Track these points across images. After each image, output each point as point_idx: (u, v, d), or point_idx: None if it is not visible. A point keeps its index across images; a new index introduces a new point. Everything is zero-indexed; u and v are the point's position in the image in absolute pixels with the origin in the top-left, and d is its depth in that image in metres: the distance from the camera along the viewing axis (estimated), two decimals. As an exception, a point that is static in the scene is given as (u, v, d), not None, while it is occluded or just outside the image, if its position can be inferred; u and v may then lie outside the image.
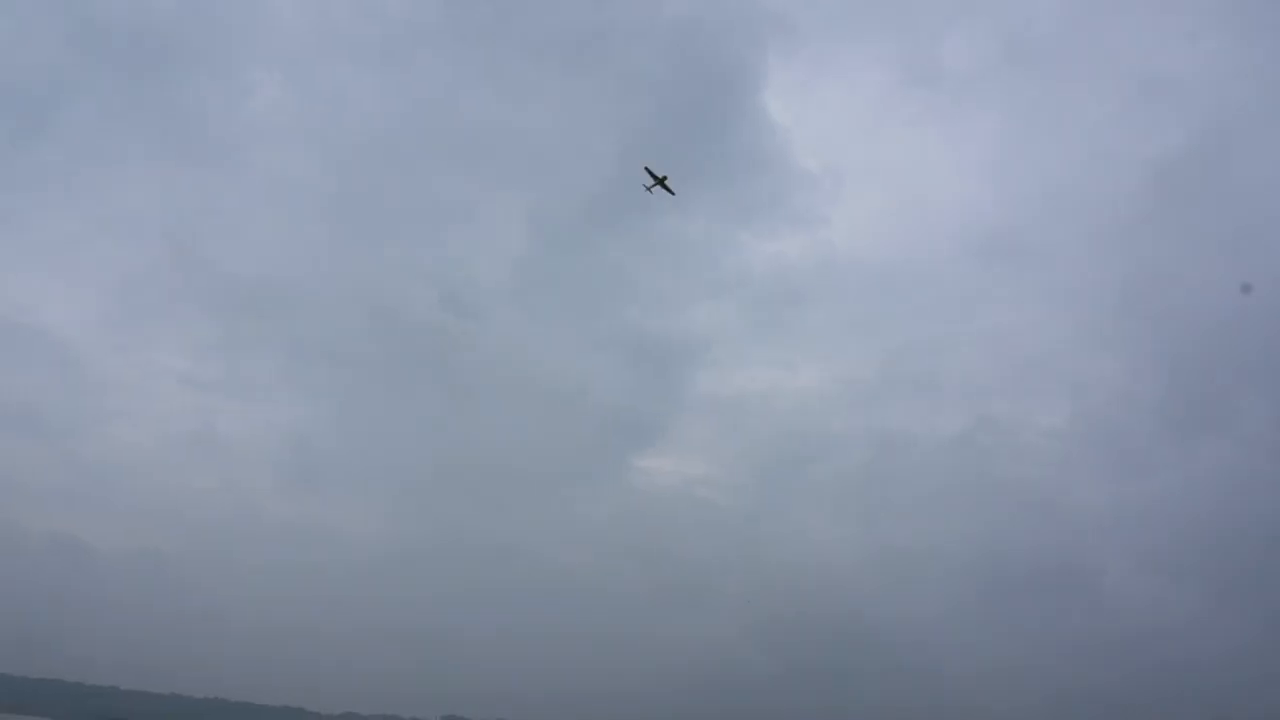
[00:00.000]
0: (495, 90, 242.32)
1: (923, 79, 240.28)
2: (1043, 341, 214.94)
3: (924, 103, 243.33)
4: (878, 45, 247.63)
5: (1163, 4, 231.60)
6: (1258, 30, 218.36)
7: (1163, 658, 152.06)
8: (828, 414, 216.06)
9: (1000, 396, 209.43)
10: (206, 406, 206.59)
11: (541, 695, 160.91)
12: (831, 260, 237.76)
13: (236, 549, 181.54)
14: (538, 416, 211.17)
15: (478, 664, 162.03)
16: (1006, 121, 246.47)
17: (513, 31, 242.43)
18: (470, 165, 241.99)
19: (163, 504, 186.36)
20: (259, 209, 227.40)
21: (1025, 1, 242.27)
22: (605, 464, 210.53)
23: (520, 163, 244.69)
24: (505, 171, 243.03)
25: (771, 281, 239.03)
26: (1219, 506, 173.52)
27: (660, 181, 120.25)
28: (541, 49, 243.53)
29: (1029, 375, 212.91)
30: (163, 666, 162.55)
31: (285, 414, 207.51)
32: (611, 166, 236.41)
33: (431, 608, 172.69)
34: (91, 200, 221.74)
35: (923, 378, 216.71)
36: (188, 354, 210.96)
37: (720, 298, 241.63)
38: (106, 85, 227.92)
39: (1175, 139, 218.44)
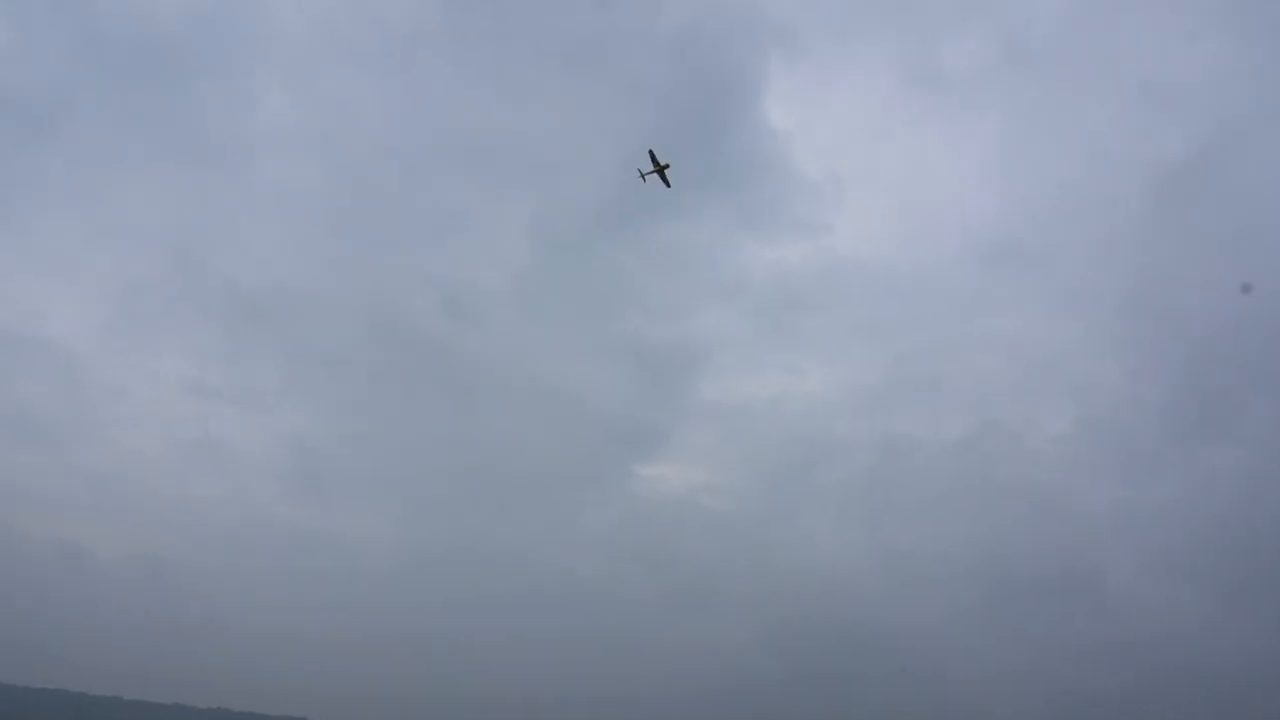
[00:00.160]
0: (497, 97, 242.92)
1: (924, 84, 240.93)
2: (1047, 345, 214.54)
3: (925, 107, 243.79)
4: (879, 51, 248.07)
5: (1163, 7, 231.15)
6: (1259, 32, 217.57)
7: (1169, 661, 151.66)
8: (832, 420, 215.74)
9: (1005, 401, 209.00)
10: (210, 414, 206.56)
11: (550, 700, 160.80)
12: (834, 266, 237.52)
13: (241, 557, 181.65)
14: (542, 423, 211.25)
15: (486, 670, 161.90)
16: (1008, 125, 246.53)
17: (515, 38, 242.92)
18: (472, 172, 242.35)
19: (166, 511, 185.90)
20: (262, 216, 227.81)
21: (1025, 5, 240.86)
22: (610, 471, 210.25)
23: (522, 169, 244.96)
24: (507, 178, 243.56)
25: (774, 288, 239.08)
26: (1226, 509, 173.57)
27: (660, 170, 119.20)
28: (544, 55, 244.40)
29: (1034, 379, 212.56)
30: (166, 676, 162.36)
31: (289, 421, 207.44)
32: (613, 173, 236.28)
33: (438, 614, 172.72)
34: (95, 208, 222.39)
35: (927, 382, 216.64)
36: (191, 361, 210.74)
37: (723, 304, 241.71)
38: (111, 94, 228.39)
39: (1178, 142, 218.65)
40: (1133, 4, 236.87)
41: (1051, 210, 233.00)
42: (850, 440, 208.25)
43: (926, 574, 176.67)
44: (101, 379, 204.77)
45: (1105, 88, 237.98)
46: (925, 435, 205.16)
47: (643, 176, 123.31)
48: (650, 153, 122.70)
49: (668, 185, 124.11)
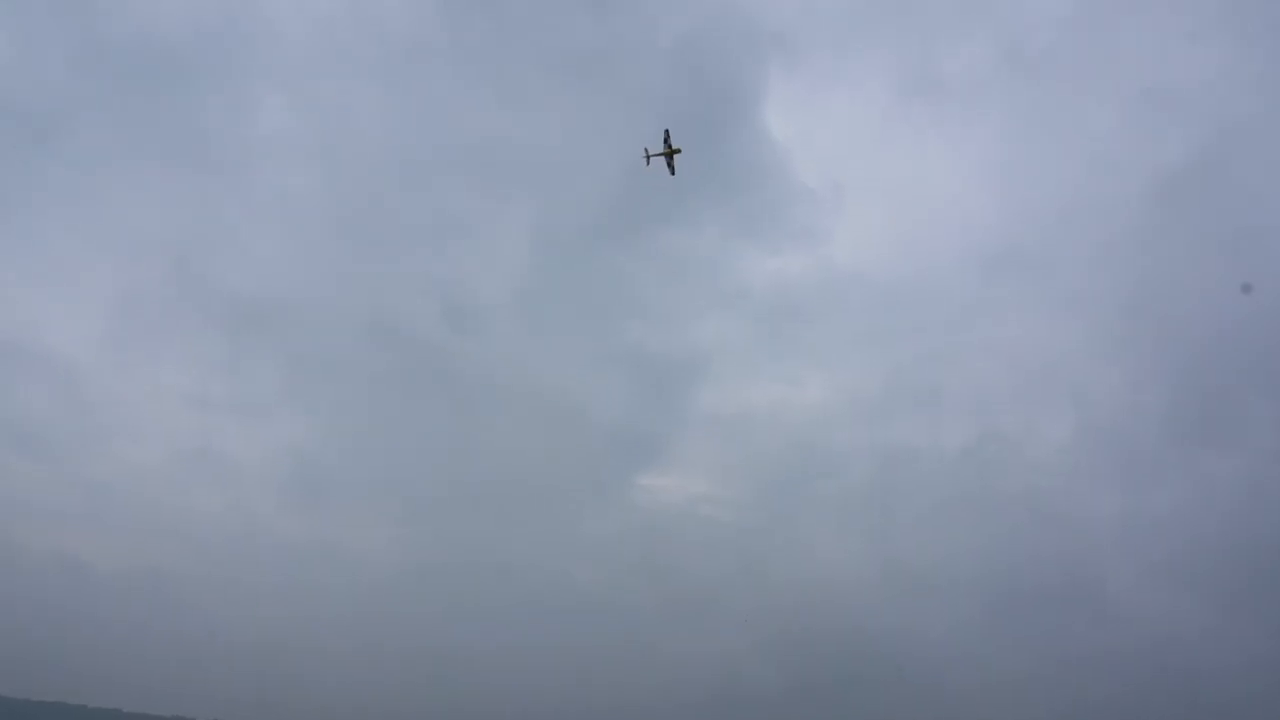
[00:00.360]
0: (498, 105, 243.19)
1: (923, 91, 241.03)
2: (1047, 352, 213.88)
3: (925, 115, 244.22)
4: (878, 59, 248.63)
5: (1163, 11, 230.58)
6: (1259, 37, 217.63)
7: (1171, 669, 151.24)
8: (832, 429, 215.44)
9: (1005, 409, 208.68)
10: (209, 424, 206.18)
11: (550, 709, 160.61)
12: (834, 275, 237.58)
13: (241, 567, 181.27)
14: (541, 432, 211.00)
15: (486, 678, 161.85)
16: (1008, 132, 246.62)
17: (516, 47, 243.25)
18: (473, 179, 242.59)
19: (166, 522, 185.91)
20: (263, 225, 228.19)
21: (1025, 11, 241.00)
22: (609, 481, 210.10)
23: (523, 177, 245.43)
24: (508, 186, 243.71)
25: (774, 297, 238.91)
26: (1227, 516, 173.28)
27: (670, 154, 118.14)
28: (544, 64, 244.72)
29: (1034, 387, 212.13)
30: (166, 688, 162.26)
31: (288, 430, 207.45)
32: (614, 181, 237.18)
33: (438, 623, 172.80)
34: (96, 216, 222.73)
35: (927, 391, 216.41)
36: (190, 371, 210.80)
37: (723, 313, 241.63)
38: (112, 101, 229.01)
39: (1178, 147, 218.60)
40: (1132, 9, 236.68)
41: (1051, 217, 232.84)
42: (850, 449, 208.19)
43: (927, 582, 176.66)
44: (101, 389, 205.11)
45: (1105, 93, 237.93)
46: (925, 444, 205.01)
47: (647, 159, 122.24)
48: (666, 132, 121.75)
49: (672, 172, 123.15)
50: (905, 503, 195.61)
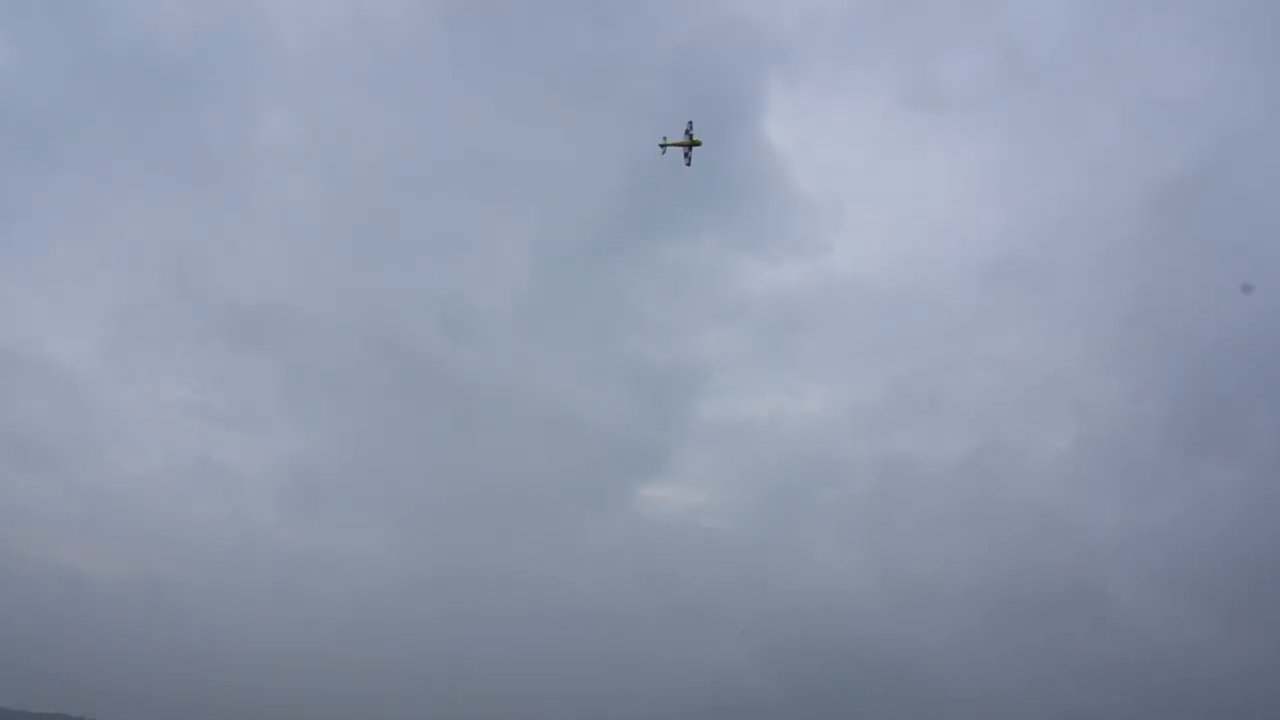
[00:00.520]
0: (499, 117, 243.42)
1: (923, 102, 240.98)
2: (1048, 363, 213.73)
3: (925, 125, 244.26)
4: (878, 70, 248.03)
5: (1162, 21, 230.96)
6: (1259, 47, 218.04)
7: (1173, 678, 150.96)
8: (832, 440, 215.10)
9: (1006, 419, 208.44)
10: (209, 434, 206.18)
11: (550, 718, 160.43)
12: (834, 286, 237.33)
13: (240, 577, 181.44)
14: (541, 443, 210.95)
15: (486, 687, 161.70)
16: (1007, 142, 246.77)
17: (516, 59, 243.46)
18: (474, 191, 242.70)
19: (165, 532, 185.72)
20: (263, 236, 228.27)
21: (1023, 21, 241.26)
22: (609, 491, 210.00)
23: (524, 189, 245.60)
24: (509, 198, 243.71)
25: (774, 308, 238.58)
26: (1229, 526, 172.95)
27: (689, 146, 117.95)
28: (545, 76, 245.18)
29: (1035, 398, 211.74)
30: (166, 698, 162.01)
31: (288, 440, 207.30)
32: (614, 193, 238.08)
33: (438, 632, 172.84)
34: (96, 228, 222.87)
35: (927, 401, 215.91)
36: (190, 381, 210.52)
37: (722, 324, 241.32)
38: (113, 114, 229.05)
39: (1179, 157, 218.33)
40: (1131, 19, 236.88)
41: (1051, 227, 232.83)
42: (850, 460, 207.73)
43: (927, 592, 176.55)
44: (100, 398, 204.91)
45: (1104, 102, 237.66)
46: (926, 454, 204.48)
47: (663, 148, 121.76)
48: (689, 123, 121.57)
49: (688, 163, 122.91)
50: (906, 512, 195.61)
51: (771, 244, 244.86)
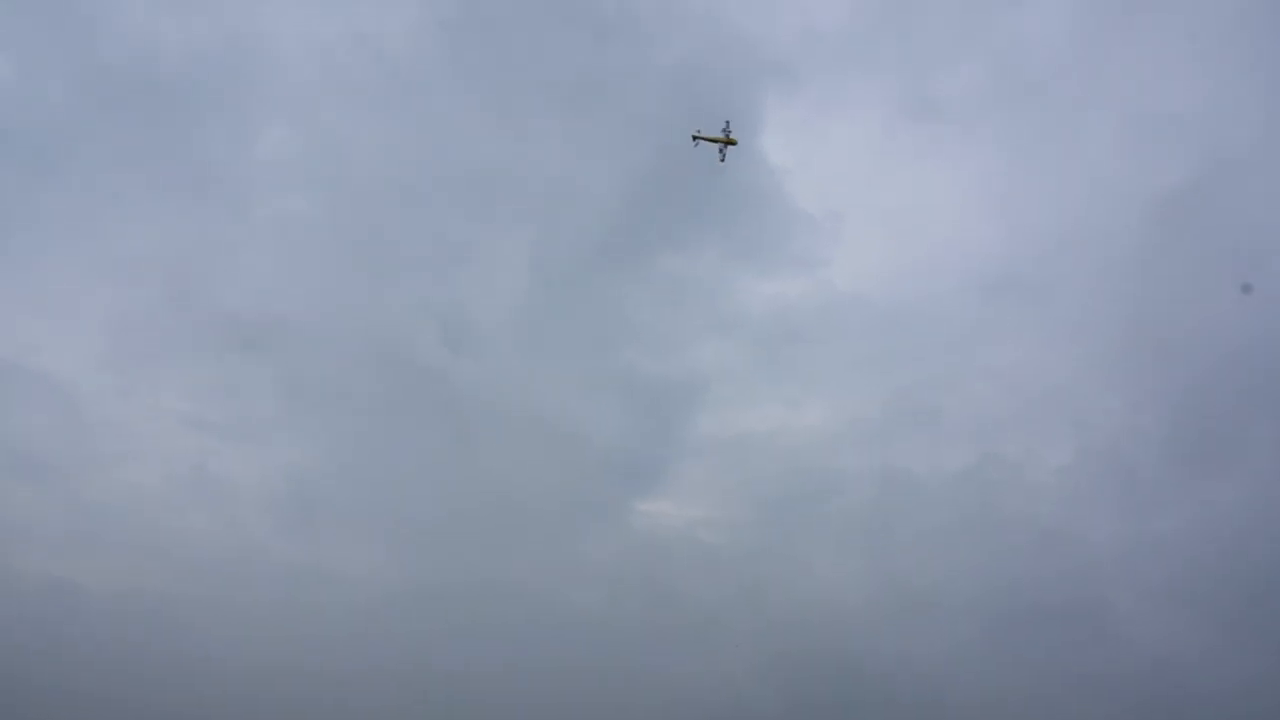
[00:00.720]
0: (499, 131, 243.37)
1: (921, 116, 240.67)
2: (1048, 377, 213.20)
3: (923, 139, 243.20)
4: (876, 86, 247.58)
5: (1161, 37, 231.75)
6: (1255, 63, 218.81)
7: (1173, 691, 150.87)
8: (832, 453, 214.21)
9: (1006, 432, 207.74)
10: (206, 447, 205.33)
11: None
12: (833, 300, 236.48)
13: (237, 590, 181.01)
14: (539, 456, 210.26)
15: (483, 700, 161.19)
16: (1006, 155, 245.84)
17: (516, 74, 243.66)
18: (473, 205, 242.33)
19: (163, 546, 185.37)
20: (261, 250, 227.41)
21: (1020, 36, 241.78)
22: (607, 504, 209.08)
23: (523, 202, 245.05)
24: (508, 211, 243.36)
25: (772, 322, 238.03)
26: (1228, 539, 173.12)
27: (725, 144, 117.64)
28: (544, 90, 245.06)
29: (1035, 411, 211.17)
30: (164, 711, 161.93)
31: (286, 453, 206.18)
32: (612, 206, 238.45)
33: (435, 646, 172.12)
34: (95, 241, 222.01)
35: (927, 415, 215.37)
36: (188, 394, 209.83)
37: (721, 338, 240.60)
38: (112, 128, 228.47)
39: (1178, 171, 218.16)
40: (1129, 34, 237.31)
41: (1050, 241, 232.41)
42: (849, 473, 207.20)
43: (927, 605, 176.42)
44: (98, 411, 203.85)
45: (1103, 117, 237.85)
46: (925, 467, 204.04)
47: (696, 140, 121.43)
48: (726, 122, 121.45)
49: (722, 159, 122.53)
50: (905, 525, 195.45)
51: (770, 257, 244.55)
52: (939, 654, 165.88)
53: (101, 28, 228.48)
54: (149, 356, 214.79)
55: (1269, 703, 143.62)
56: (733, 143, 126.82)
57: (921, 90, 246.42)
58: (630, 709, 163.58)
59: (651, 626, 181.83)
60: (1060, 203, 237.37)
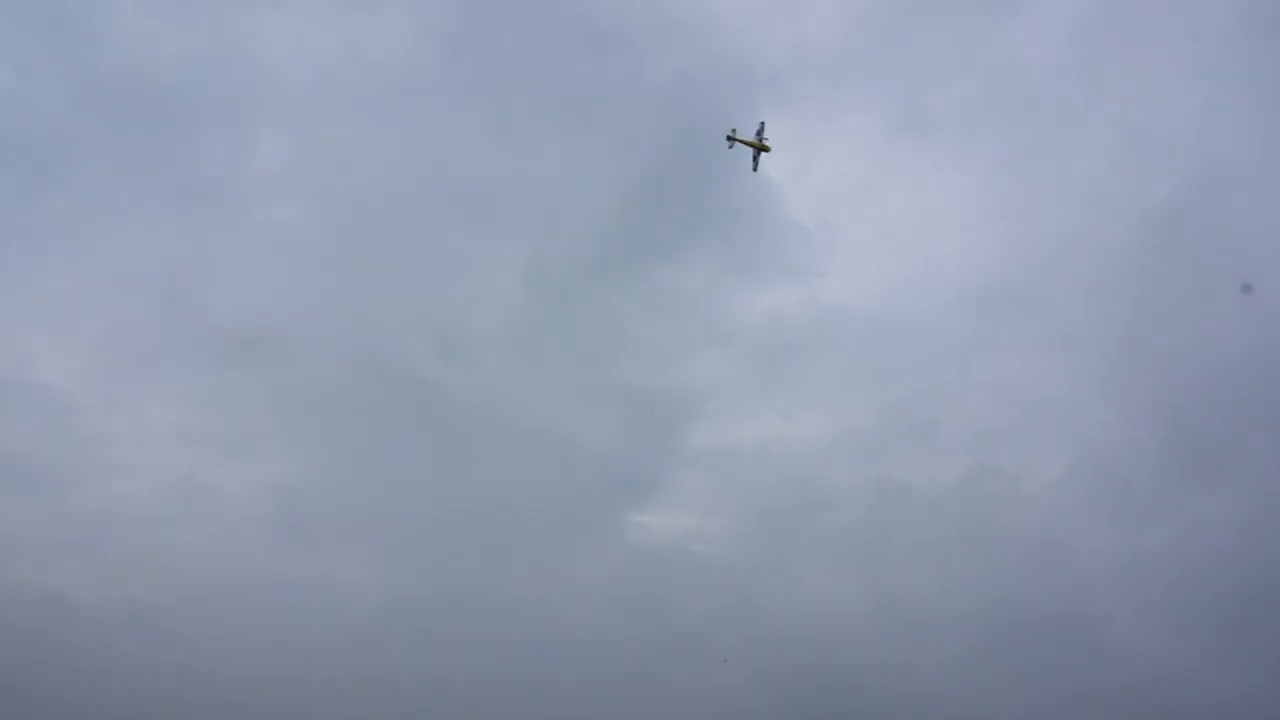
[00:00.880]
0: (494, 144, 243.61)
1: (915, 130, 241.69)
2: (1042, 389, 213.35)
3: (917, 153, 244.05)
4: (870, 99, 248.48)
5: (1152, 53, 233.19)
6: (1250, 77, 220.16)
7: (1167, 705, 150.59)
8: (826, 465, 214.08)
9: (1001, 445, 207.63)
10: (200, 459, 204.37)
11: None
12: (828, 312, 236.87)
13: (227, 602, 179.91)
14: (533, 468, 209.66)
15: (475, 712, 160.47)
16: (1001, 170, 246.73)
17: (512, 87, 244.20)
18: (467, 217, 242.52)
19: (153, 557, 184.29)
20: (256, 260, 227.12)
21: (1016, 50, 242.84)
22: (601, 517, 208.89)
23: (518, 215, 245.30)
24: (502, 224, 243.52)
25: (767, 334, 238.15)
26: (1223, 552, 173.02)
27: (758, 149, 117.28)
28: (540, 103, 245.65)
29: (1029, 424, 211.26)
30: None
31: (278, 465, 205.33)
32: (608, 219, 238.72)
33: (428, 659, 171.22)
34: (89, 252, 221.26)
35: (922, 427, 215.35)
36: (182, 406, 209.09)
37: (716, 350, 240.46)
38: (107, 139, 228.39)
39: (1170, 186, 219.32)
40: (1121, 50, 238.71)
41: (1044, 254, 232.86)
42: (845, 486, 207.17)
43: (921, 618, 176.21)
44: (89, 423, 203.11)
45: (1096, 132, 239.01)
46: (920, 480, 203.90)
47: (730, 142, 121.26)
48: (761, 124, 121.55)
49: (755, 168, 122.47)
50: (899, 538, 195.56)
51: (765, 269, 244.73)
52: (933, 667, 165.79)
53: (98, 37, 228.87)
54: (142, 367, 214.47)
55: (1264, 716, 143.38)
56: (766, 149, 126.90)
57: (916, 103, 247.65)
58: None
59: (645, 638, 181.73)
60: (1054, 216, 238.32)
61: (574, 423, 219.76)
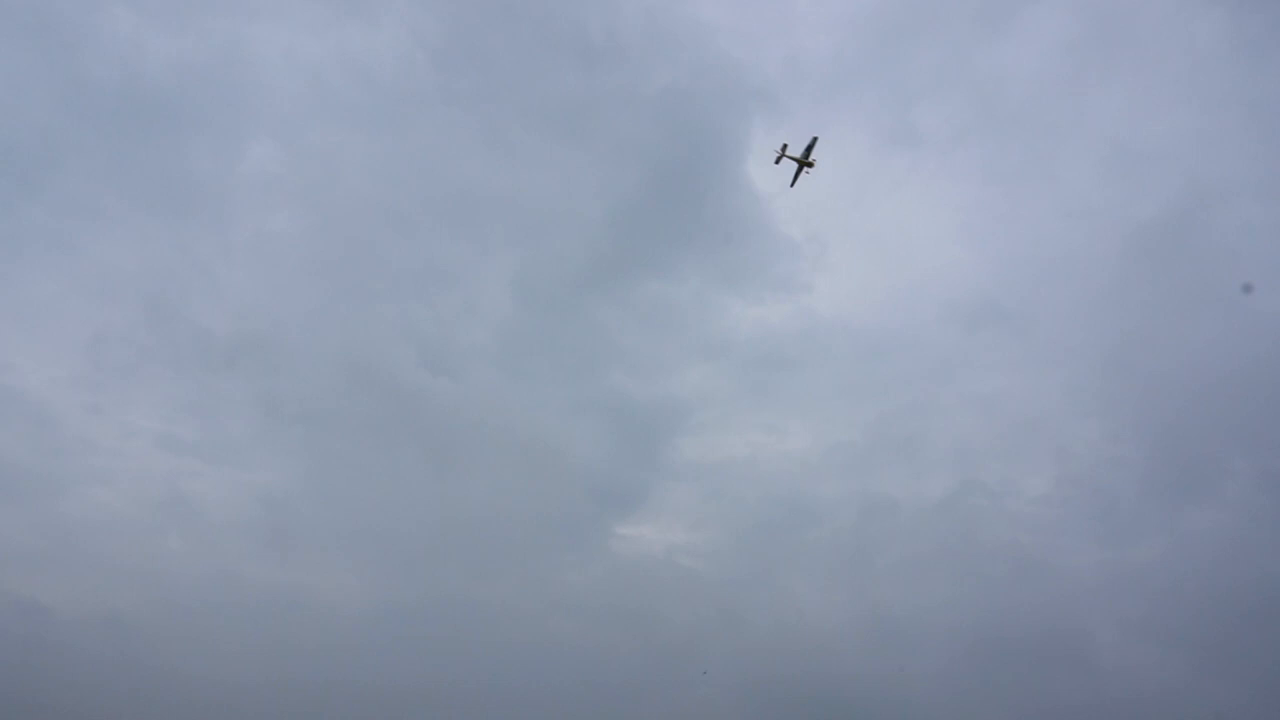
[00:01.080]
0: (485, 155, 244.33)
1: (904, 146, 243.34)
2: (1028, 406, 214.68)
3: (906, 169, 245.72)
4: (860, 115, 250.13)
5: (1137, 71, 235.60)
6: (1233, 95, 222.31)
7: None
8: (812, 479, 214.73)
9: (986, 461, 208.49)
10: (182, 468, 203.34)
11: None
12: (816, 325, 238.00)
13: (210, 612, 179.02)
14: (519, 479, 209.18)
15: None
16: (988, 186, 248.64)
17: (504, 98, 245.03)
18: (457, 227, 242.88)
19: (135, 567, 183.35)
20: (242, 269, 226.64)
21: (1003, 68, 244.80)
22: (587, 529, 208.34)
23: (508, 225, 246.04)
24: (492, 235, 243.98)
25: (755, 347, 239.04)
26: (1207, 569, 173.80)
27: (801, 165, 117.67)
28: (532, 115, 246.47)
29: (1015, 440, 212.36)
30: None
31: (262, 474, 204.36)
32: (598, 231, 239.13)
33: (412, 671, 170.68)
34: (73, 258, 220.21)
35: (908, 442, 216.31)
36: (164, 414, 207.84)
37: (704, 363, 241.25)
38: (95, 144, 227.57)
39: (1155, 203, 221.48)
40: (1107, 69, 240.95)
41: (1031, 270, 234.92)
42: (830, 499, 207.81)
43: (905, 632, 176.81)
44: (72, 430, 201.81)
45: (1082, 149, 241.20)
46: (906, 495, 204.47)
47: (778, 158, 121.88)
48: (814, 139, 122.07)
49: (792, 183, 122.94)
50: (885, 552, 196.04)
51: (753, 283, 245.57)
52: (917, 681, 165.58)
53: (88, 43, 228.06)
54: (125, 374, 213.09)
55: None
56: (810, 164, 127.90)
57: (904, 121, 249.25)
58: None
59: (630, 650, 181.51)
60: (1042, 232, 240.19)
61: (561, 434, 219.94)
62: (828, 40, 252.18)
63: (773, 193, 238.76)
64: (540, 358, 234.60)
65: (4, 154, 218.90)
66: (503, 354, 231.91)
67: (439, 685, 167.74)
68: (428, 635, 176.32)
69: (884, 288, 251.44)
